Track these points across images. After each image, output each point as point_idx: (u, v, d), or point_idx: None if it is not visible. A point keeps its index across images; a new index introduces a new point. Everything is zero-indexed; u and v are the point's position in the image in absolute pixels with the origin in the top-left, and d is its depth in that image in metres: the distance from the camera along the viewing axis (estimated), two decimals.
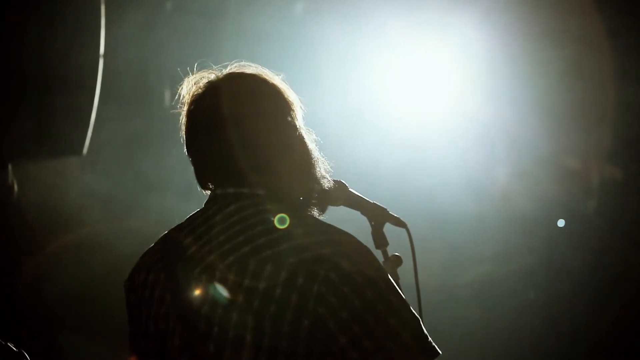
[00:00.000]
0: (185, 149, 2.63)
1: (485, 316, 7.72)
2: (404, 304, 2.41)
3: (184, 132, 2.62)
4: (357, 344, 2.34)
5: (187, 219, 2.63)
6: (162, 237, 2.68)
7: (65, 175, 6.11)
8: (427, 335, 2.40)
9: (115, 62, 5.42)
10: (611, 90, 7.88)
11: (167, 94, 6.23)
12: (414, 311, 2.42)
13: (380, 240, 2.97)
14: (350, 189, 2.91)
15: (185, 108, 2.61)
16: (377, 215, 2.98)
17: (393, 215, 3.00)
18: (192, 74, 2.64)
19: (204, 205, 2.61)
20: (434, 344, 2.40)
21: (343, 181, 2.86)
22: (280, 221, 2.46)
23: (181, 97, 2.63)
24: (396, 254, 2.94)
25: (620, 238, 7.77)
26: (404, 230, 3.04)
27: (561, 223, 7.88)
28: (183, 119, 2.62)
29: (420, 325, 2.41)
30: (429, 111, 7.74)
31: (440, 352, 2.40)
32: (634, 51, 7.89)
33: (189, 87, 2.62)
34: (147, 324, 2.55)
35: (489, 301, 7.74)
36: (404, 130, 7.61)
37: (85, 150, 4.38)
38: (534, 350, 7.68)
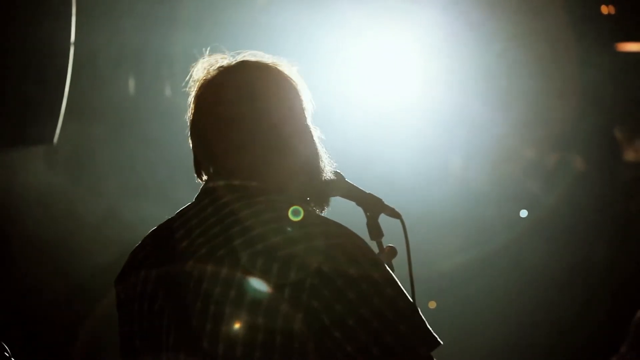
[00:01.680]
0: (189, 133, 2.58)
1: (447, 308, 7.72)
2: (401, 296, 2.36)
3: (189, 115, 2.57)
4: (352, 338, 2.29)
5: (178, 212, 2.58)
6: (151, 232, 2.63)
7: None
8: (426, 326, 2.36)
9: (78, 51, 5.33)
10: (574, 80, 7.94)
11: (130, 83, 6.15)
12: (412, 301, 2.37)
13: (376, 231, 2.92)
14: (347, 180, 2.86)
15: (194, 91, 2.56)
16: (373, 206, 2.93)
17: (388, 206, 2.96)
18: (205, 57, 2.59)
19: (195, 198, 2.57)
20: (434, 334, 2.36)
21: (340, 172, 2.81)
22: (266, 212, 2.42)
23: (192, 78, 2.58)
24: (391, 245, 2.89)
25: (582, 228, 7.82)
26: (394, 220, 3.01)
27: (524, 213, 7.92)
28: (191, 102, 2.57)
29: (419, 315, 2.37)
30: (389, 100, 7.73)
31: (442, 342, 2.36)
32: (597, 41, 7.95)
33: (201, 69, 2.57)
34: (141, 321, 2.50)
35: (451, 292, 7.75)
36: (365, 118, 7.59)
37: (55, 139, 4.28)
38: (496, 341, 7.70)
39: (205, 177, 2.58)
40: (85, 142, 6.24)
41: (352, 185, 2.89)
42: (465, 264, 7.80)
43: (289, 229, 2.37)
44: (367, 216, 2.93)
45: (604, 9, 8.75)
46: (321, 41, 7.22)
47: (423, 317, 2.37)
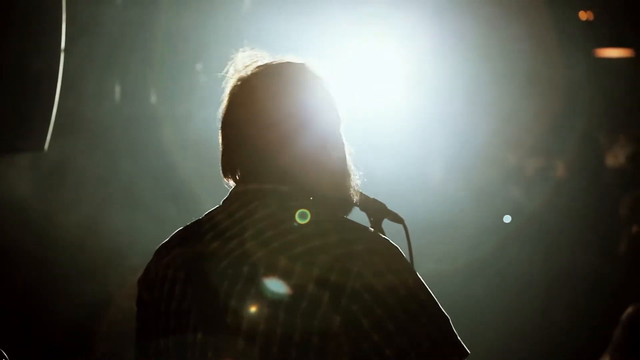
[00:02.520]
0: (220, 127, 2.56)
1: None
2: (433, 302, 2.39)
3: (223, 108, 2.55)
4: (391, 342, 2.31)
5: (206, 214, 2.56)
6: (178, 232, 2.62)
7: None
8: (456, 334, 2.38)
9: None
10: (555, 85, 7.97)
11: (117, 90, 6.13)
12: (442, 309, 2.39)
13: None
14: None
15: (231, 84, 2.54)
16: (376, 211, 2.93)
17: (391, 211, 2.96)
18: (244, 52, 2.57)
19: (223, 202, 2.55)
20: (462, 343, 2.37)
21: None
22: (302, 216, 2.42)
23: (230, 71, 2.56)
24: None
25: (567, 234, 7.84)
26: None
27: (507, 219, 7.93)
28: (226, 95, 2.55)
29: (449, 323, 2.38)
30: (371, 105, 7.72)
31: (469, 352, 2.38)
32: (578, 46, 8.00)
33: (240, 65, 2.55)
34: (168, 321, 2.48)
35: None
36: (348, 124, 7.58)
37: (47, 145, 4.25)
38: (481, 347, 7.68)
39: (232, 177, 2.56)
40: (66, 152, 6.19)
41: (357, 190, 2.88)
42: (449, 271, 7.79)
43: (326, 234, 2.39)
44: (370, 221, 2.92)
45: (583, 15, 8.82)
46: (305, 46, 7.20)
47: (452, 325, 2.38)
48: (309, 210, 2.45)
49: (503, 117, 8.02)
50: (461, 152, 8.06)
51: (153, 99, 6.50)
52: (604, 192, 7.97)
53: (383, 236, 2.50)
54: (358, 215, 2.93)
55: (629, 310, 4.67)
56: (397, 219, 2.98)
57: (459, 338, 2.37)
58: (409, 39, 7.70)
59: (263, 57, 2.56)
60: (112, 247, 6.36)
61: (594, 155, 8.11)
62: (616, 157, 8.20)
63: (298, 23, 7.09)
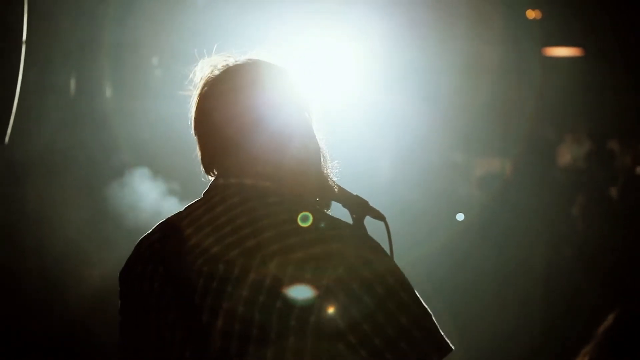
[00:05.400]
0: (193, 131, 2.56)
1: None
2: (415, 300, 2.34)
3: (192, 114, 2.55)
4: (367, 343, 2.27)
5: (186, 208, 2.54)
6: (159, 226, 2.58)
7: None
8: (439, 331, 2.33)
9: None
10: (506, 86, 8.02)
11: (72, 83, 6.05)
12: (425, 306, 2.35)
13: None
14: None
15: (198, 89, 2.54)
16: (359, 208, 2.91)
17: (373, 208, 2.93)
18: (209, 57, 2.57)
19: (203, 195, 2.53)
20: (447, 339, 2.34)
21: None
22: (280, 213, 2.40)
23: (195, 78, 2.56)
24: None
25: (518, 232, 7.90)
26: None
27: (460, 217, 7.95)
28: (194, 100, 2.55)
29: (432, 320, 2.34)
30: (320, 102, 7.69)
31: (454, 348, 2.34)
32: (528, 45, 8.06)
33: (206, 69, 2.55)
34: (148, 318, 2.45)
35: None
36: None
37: (7, 139, 4.17)
38: None
39: (214, 173, 2.55)
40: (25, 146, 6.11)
41: (340, 187, 2.86)
42: (400, 266, 7.80)
43: (303, 231, 2.35)
44: (352, 218, 2.90)
45: (530, 14, 8.88)
46: (259, 39, 7.17)
47: (435, 322, 2.35)
48: (287, 207, 2.42)
49: (454, 115, 8.05)
50: (411, 151, 8.07)
51: (108, 92, 6.43)
52: (554, 191, 8.03)
53: (363, 232, 2.49)
54: (340, 212, 2.92)
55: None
56: (378, 216, 2.95)
57: (442, 335, 2.33)
58: (358, 33, 7.70)
59: (228, 58, 2.56)
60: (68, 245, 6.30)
61: (544, 154, 8.17)
62: (565, 156, 8.28)
63: (252, 17, 7.07)
